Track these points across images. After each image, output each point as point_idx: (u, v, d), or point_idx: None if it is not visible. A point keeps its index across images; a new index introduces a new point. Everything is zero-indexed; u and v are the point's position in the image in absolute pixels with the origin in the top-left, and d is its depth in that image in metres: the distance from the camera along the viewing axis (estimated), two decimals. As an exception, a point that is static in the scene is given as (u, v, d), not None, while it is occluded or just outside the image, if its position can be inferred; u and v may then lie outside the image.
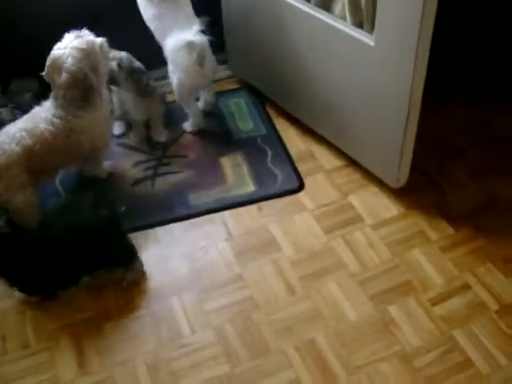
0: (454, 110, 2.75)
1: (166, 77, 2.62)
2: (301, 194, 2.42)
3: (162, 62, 2.53)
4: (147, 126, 2.69)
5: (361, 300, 2.06)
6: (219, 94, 2.87)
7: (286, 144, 2.62)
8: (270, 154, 2.58)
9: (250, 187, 2.45)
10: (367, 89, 2.21)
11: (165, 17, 2.44)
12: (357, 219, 2.32)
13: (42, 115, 2.18)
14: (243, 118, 2.77)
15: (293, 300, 2.07)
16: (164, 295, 2.10)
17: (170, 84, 2.58)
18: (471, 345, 1.93)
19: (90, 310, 2.06)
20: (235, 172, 2.51)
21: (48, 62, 2.15)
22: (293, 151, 2.59)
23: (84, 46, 2.15)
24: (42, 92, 2.37)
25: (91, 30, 2.22)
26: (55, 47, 2.16)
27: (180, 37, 2.39)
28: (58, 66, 2.14)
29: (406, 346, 1.93)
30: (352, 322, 2.00)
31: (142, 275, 2.14)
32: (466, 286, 2.09)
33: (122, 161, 2.58)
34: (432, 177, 2.47)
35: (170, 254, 2.22)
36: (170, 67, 2.51)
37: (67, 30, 2.19)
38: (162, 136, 2.67)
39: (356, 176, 2.48)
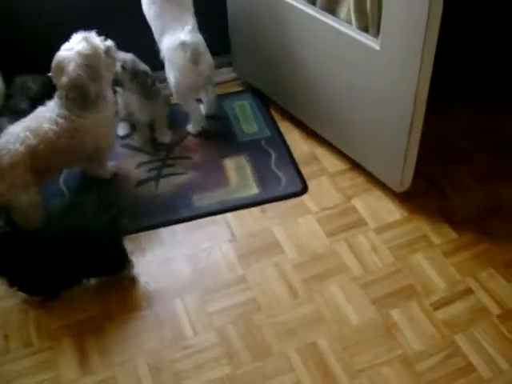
0: (459, 114, 2.75)
1: (168, 78, 2.63)
2: (304, 197, 2.42)
3: (166, 64, 2.54)
4: (151, 127, 2.70)
5: (363, 303, 2.06)
6: (224, 97, 2.87)
7: (290, 147, 2.63)
8: (273, 156, 2.59)
9: (253, 189, 2.45)
10: (372, 92, 2.21)
11: (165, 16, 2.45)
12: (360, 223, 2.32)
13: (46, 115, 2.19)
14: (247, 120, 2.77)
15: (295, 303, 2.07)
16: (167, 296, 2.10)
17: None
18: (473, 349, 1.92)
19: (93, 310, 2.07)
20: (239, 174, 2.52)
21: (53, 63, 2.16)
22: (297, 154, 2.60)
23: (87, 52, 2.15)
24: (41, 93, 2.38)
25: (97, 28, 2.22)
26: (62, 47, 2.17)
27: (175, 36, 2.42)
28: (61, 67, 2.15)
29: (408, 350, 1.93)
30: (354, 325, 2.00)
31: (132, 281, 2.15)
32: (469, 291, 2.09)
33: (126, 162, 2.59)
34: (436, 181, 2.47)
35: (173, 255, 2.23)
36: (167, 66, 2.53)
37: (72, 28, 2.20)
38: (166, 137, 2.68)
39: (360, 179, 2.48)
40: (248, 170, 2.53)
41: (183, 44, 2.39)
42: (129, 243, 2.17)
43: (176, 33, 2.42)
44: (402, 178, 2.30)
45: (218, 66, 2.85)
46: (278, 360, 1.92)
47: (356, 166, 2.50)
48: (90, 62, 2.16)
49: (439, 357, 1.91)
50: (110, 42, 2.25)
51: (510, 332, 1.96)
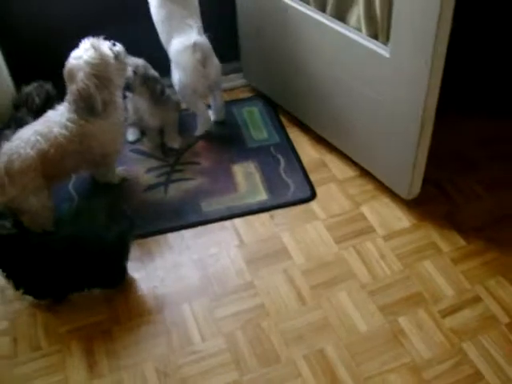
0: (469, 122, 2.75)
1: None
2: (313, 204, 2.43)
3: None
4: (161, 132, 2.72)
5: (371, 310, 2.06)
6: (233, 103, 2.89)
7: (298, 153, 2.63)
8: (282, 162, 2.59)
9: (262, 195, 2.46)
10: (381, 100, 2.21)
11: (173, 19, 2.47)
12: (368, 230, 2.32)
13: (56, 119, 2.19)
14: (257, 126, 2.78)
15: (303, 309, 2.07)
16: (175, 301, 2.11)
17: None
18: (481, 358, 1.92)
19: (101, 314, 2.07)
20: (248, 180, 2.52)
21: (64, 71, 2.17)
22: (305, 160, 2.60)
23: (96, 61, 2.15)
24: (43, 107, 2.39)
25: (107, 33, 2.24)
26: (71, 55, 2.17)
27: (185, 37, 2.43)
28: (71, 76, 2.16)
29: (416, 357, 1.93)
30: (362, 332, 2.00)
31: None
32: (477, 299, 2.08)
33: (136, 167, 2.60)
34: (445, 189, 2.46)
35: (181, 261, 2.23)
36: (173, 69, 2.54)
37: (81, 33, 2.20)
38: (175, 143, 2.69)
39: (368, 187, 2.48)
40: (257, 176, 2.54)
41: (195, 45, 2.40)
42: (137, 248, 2.19)
43: (184, 35, 2.44)
44: (411, 185, 2.31)
45: (227, 73, 2.87)
46: (285, 366, 1.92)
47: (365, 173, 2.51)
48: (98, 70, 2.16)
49: (447, 365, 1.91)
50: (119, 47, 2.26)
51: (519, 340, 1.96)
